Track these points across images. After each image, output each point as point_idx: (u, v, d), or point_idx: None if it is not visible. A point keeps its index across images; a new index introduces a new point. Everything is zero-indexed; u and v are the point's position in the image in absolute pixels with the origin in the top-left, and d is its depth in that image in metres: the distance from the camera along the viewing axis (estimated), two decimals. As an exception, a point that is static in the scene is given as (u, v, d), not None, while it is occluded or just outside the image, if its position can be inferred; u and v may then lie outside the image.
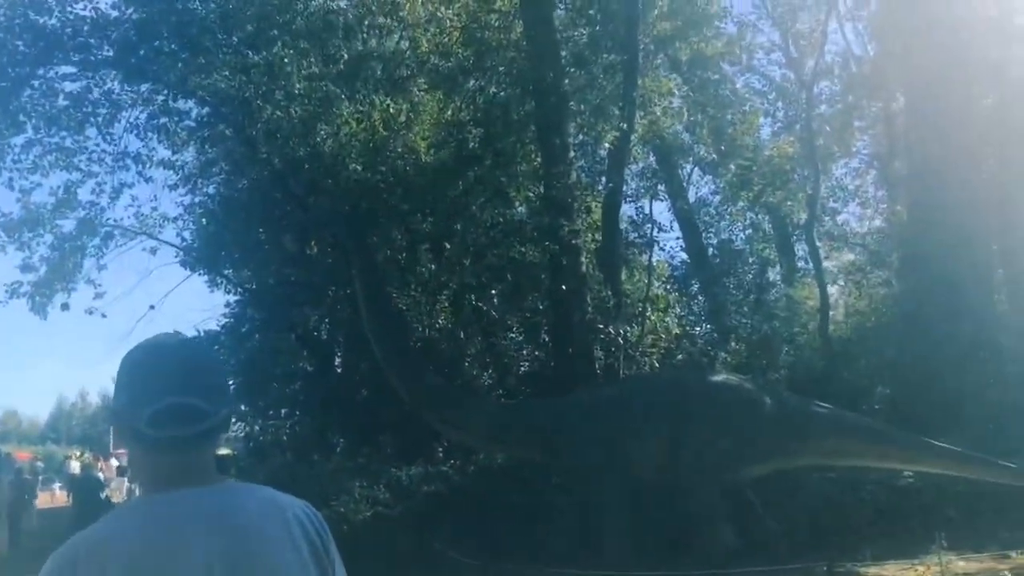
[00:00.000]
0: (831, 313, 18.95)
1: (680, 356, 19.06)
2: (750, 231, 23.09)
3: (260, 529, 1.68)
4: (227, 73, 16.40)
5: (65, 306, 17.90)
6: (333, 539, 1.81)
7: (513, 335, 19.23)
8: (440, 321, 17.81)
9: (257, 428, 18.28)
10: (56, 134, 16.94)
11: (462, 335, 17.51)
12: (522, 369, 19.10)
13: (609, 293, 17.47)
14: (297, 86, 16.50)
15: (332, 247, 17.29)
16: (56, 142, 17.03)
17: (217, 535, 1.62)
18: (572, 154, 18.27)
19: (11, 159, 16.75)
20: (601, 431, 12.63)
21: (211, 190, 19.16)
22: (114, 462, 31.18)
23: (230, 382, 1.64)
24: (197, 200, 19.36)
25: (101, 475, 22.10)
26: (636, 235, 21.41)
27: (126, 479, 26.18)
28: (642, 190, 21.54)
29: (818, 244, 19.92)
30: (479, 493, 13.99)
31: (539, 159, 18.01)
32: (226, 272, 19.27)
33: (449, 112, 18.05)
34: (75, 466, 25.11)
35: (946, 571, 6.58)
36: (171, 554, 1.59)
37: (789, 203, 20.40)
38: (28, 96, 16.43)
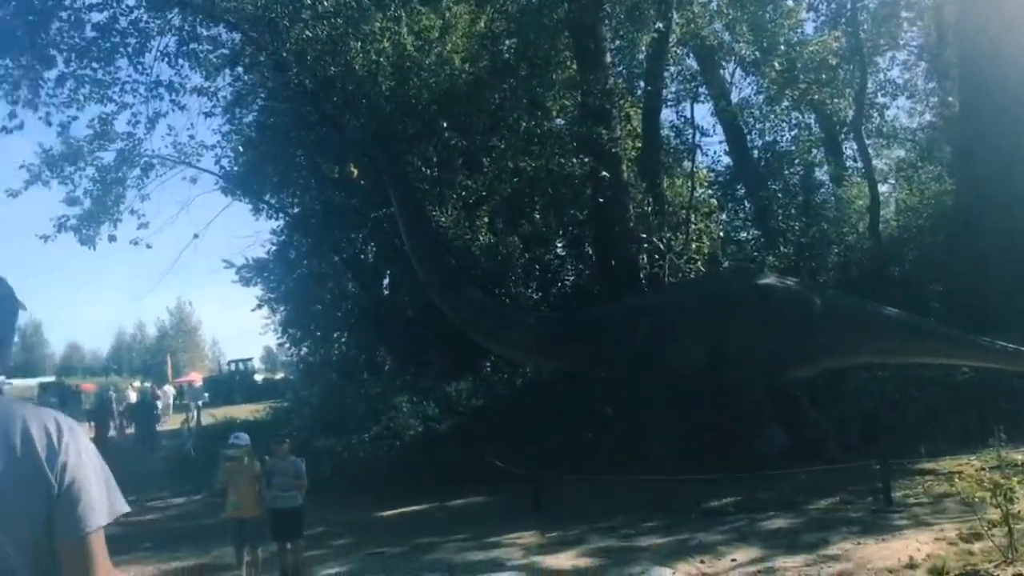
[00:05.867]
0: (882, 212, 18.47)
1: (726, 262, 18.76)
2: (796, 131, 22.46)
3: None
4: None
5: (112, 238, 18.01)
6: (89, 451, 1.82)
7: (555, 248, 19.07)
8: (481, 237, 17.62)
9: (306, 351, 18.22)
10: (87, 66, 16.84)
11: (503, 250, 17.24)
12: (566, 282, 18.99)
13: (651, 201, 17.22)
14: (324, 3, 16.15)
15: (370, 168, 16.92)
16: (88, 74, 16.95)
17: None
18: (608, 60, 17.87)
19: (46, 93, 16.76)
20: (644, 338, 12.52)
21: (249, 118, 19.03)
22: (169, 389, 32.51)
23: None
24: (234, 127, 19.23)
25: (158, 403, 23.50)
26: (678, 141, 21.15)
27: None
28: (683, 94, 21.04)
29: (867, 141, 19.37)
30: (526, 405, 14.03)
31: (575, 67, 17.65)
32: (268, 198, 19.20)
33: (481, 23, 17.77)
34: (132, 395, 26.34)
35: (1004, 463, 6.39)
36: None
37: (836, 100, 19.62)
38: (56, 29, 16.32)
